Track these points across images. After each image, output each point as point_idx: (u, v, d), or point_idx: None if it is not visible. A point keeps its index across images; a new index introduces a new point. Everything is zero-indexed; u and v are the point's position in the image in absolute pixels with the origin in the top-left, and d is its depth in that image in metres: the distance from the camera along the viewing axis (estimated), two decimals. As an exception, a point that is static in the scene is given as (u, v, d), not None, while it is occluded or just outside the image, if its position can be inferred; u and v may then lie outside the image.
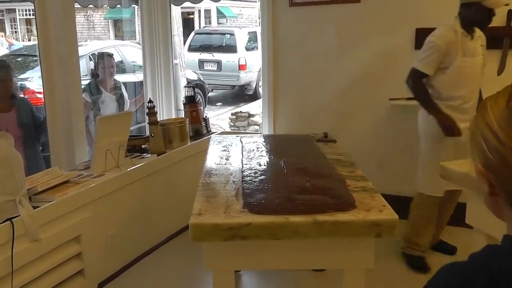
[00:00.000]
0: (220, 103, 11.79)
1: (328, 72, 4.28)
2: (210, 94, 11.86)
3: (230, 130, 7.93)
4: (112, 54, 4.71)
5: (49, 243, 2.69)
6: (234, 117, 8.56)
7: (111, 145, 3.29)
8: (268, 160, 2.80)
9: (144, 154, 3.73)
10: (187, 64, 10.73)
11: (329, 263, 2.17)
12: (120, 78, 6.97)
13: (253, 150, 3.02)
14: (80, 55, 6.14)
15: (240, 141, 3.31)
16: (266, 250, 2.09)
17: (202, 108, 9.56)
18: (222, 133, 4.66)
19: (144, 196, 3.57)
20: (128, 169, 3.37)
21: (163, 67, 4.83)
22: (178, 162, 3.88)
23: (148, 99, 3.94)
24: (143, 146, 3.86)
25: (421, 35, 3.88)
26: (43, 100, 3.55)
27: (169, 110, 4.93)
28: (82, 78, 4.71)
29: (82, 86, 4.37)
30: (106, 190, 3.14)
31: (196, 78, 9.96)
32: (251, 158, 2.82)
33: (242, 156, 2.89)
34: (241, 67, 11.48)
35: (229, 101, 11.87)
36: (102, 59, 4.59)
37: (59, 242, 2.77)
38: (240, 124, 8.45)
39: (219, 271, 2.13)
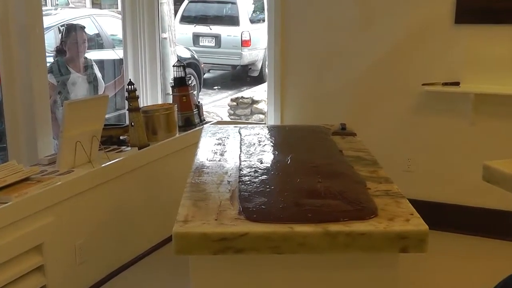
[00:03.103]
0: (218, 87, 11.77)
1: (348, 50, 4.25)
2: (206, 75, 11.81)
3: (229, 120, 7.93)
4: (84, 27, 4.69)
5: (4, 253, 2.68)
6: (235, 103, 8.54)
7: (82, 135, 3.27)
8: (271, 156, 2.79)
9: (123, 147, 3.73)
10: (178, 39, 10.68)
11: (343, 283, 2.15)
12: (97, 55, 6.97)
13: (254, 144, 3.01)
14: (47, 26, 6.14)
15: (239, 132, 3.30)
16: (266, 266, 2.07)
17: (196, 92, 9.62)
18: (218, 122, 4.65)
19: (122, 198, 3.56)
20: (102, 165, 3.36)
21: (148, 42, 4.80)
22: (163, 157, 3.87)
23: (128, 80, 3.92)
24: (121, 138, 3.85)
25: (463, 6, 3.85)
26: (-1, 80, 3.54)
27: (154, 95, 4.91)
28: (49, 55, 4.72)
29: (48, 64, 4.37)
30: (75, 190, 3.12)
31: (190, 56, 9.93)
32: (251, 154, 2.81)
33: (241, 151, 2.88)
34: (244, 43, 11.43)
35: (229, 84, 11.85)
36: (71, 32, 4.58)
37: (16, 252, 2.76)
38: (242, 112, 8.43)
39: (209, 292, 2.12)
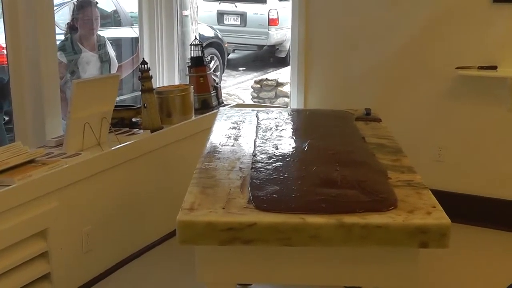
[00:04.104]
0: (244, 68, 11.76)
1: (376, 29, 4.21)
2: (230, 55, 11.81)
3: (252, 102, 7.91)
4: (97, 2, 4.70)
5: (6, 238, 2.71)
6: (258, 85, 8.52)
7: (91, 117, 3.29)
8: (288, 142, 2.78)
9: (135, 130, 3.73)
10: (202, 16, 10.64)
11: (358, 279, 2.13)
12: (114, 32, 6.98)
13: (271, 128, 3.00)
14: (61, 2, 6.15)
15: (256, 116, 3.28)
16: (275, 259, 2.06)
17: (219, 73, 9.59)
18: (238, 105, 4.64)
19: (132, 183, 3.57)
20: (112, 148, 3.37)
21: (165, 18, 4.81)
22: (178, 141, 3.88)
23: (142, 59, 3.92)
24: (133, 120, 3.86)
25: (502, -17, 3.78)
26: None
27: (171, 75, 4.92)
28: (62, 32, 4.73)
29: (61, 42, 4.39)
30: (82, 174, 3.14)
31: (213, 35, 9.92)
32: (266, 139, 2.80)
33: (256, 136, 2.87)
34: (272, 22, 11.38)
35: (256, 66, 11.83)
36: (82, 8, 4.58)
37: (19, 238, 2.78)
38: (266, 95, 8.41)
39: (215, 285, 2.12)
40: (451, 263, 3.48)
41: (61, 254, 3.03)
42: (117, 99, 6.43)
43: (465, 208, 3.98)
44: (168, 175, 3.84)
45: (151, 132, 3.69)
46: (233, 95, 8.34)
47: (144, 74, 3.70)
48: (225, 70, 10.56)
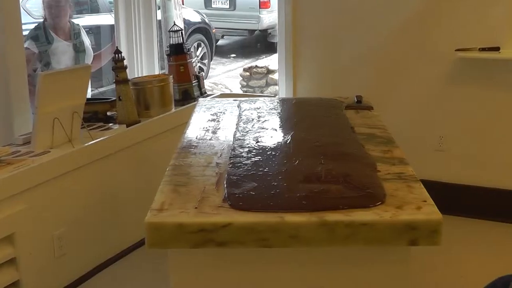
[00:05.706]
0: (234, 55, 11.73)
1: (370, 10, 4.19)
2: (219, 42, 11.77)
3: (242, 92, 7.89)
4: (68, -13, 4.69)
5: (-32, 245, 2.69)
6: (248, 73, 8.49)
7: (61, 111, 3.26)
8: (270, 134, 2.76)
9: (110, 125, 3.72)
10: (187, 0, 10.60)
11: (343, 281, 2.10)
12: (91, 20, 6.95)
13: (253, 120, 2.98)
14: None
15: (238, 106, 3.26)
16: (253, 261, 2.04)
17: (207, 61, 9.56)
18: (221, 95, 4.61)
19: (107, 182, 3.55)
20: (85, 145, 3.35)
21: (143, 3, 4.78)
22: (157, 136, 3.86)
23: (115, 48, 3.89)
24: (108, 114, 3.83)
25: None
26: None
27: (150, 64, 4.89)
28: (36, 20, 4.71)
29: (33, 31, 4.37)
30: (52, 173, 3.12)
31: (200, 20, 9.89)
32: (247, 131, 2.78)
33: (236, 129, 2.84)
34: (263, 5, 11.37)
35: (247, 52, 11.80)
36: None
37: (-17, 244, 2.77)
38: (256, 84, 8.38)
39: (190, 290, 2.10)
40: (452, 258, 3.48)
41: (30, 260, 3.00)
42: (97, 91, 6.44)
43: (468, 200, 3.97)
44: (147, 173, 3.80)
45: (127, 127, 3.68)
46: (220, 84, 8.30)
47: (118, 64, 3.68)
48: (214, 58, 10.53)
